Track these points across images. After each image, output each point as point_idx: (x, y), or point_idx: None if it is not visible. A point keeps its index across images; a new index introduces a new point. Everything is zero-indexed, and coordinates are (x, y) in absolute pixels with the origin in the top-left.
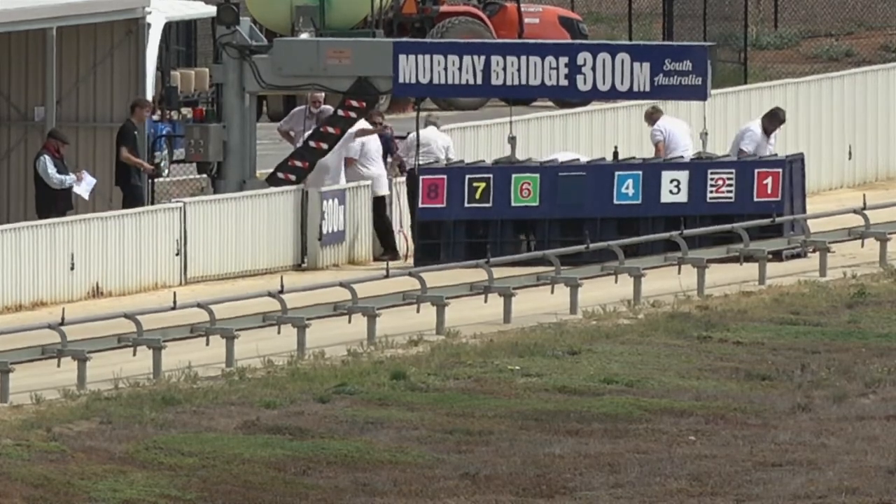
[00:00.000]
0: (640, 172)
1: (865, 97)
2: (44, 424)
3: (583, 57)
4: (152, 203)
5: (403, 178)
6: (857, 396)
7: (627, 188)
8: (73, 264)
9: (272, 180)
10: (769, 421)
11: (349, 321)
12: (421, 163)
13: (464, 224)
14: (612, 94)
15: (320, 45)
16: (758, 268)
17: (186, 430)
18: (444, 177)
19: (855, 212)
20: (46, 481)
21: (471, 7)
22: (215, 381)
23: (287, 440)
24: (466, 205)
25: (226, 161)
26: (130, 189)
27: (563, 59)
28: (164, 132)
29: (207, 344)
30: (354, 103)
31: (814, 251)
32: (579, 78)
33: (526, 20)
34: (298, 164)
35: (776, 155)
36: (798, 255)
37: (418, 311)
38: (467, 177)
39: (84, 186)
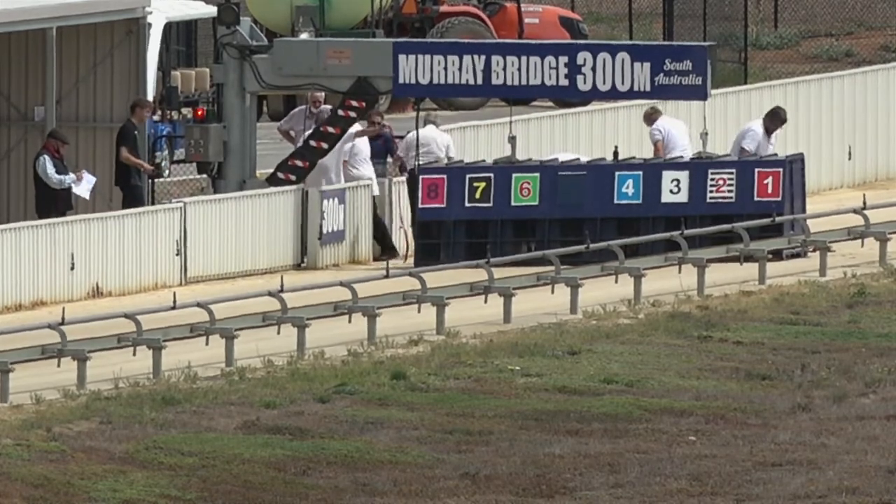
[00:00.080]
0: (641, 172)
1: (865, 97)
2: (44, 424)
3: (583, 57)
4: (152, 203)
5: (403, 178)
6: (857, 396)
7: (628, 188)
8: (73, 264)
9: (272, 180)
10: (769, 421)
11: (349, 321)
12: (421, 162)
13: (464, 224)
14: (613, 94)
15: (320, 45)
16: (758, 268)
17: (186, 430)
18: (444, 177)
19: (855, 212)
20: (46, 481)
21: (471, 7)
22: (215, 381)
23: (287, 440)
24: (466, 205)
25: (226, 161)
26: (130, 189)
27: (563, 59)
28: (164, 132)
29: (207, 344)
30: (354, 103)
31: (814, 251)
32: (579, 78)
33: (526, 20)
34: (299, 163)
35: (776, 155)
36: (798, 255)
37: (418, 311)
38: (467, 176)
39: (84, 186)
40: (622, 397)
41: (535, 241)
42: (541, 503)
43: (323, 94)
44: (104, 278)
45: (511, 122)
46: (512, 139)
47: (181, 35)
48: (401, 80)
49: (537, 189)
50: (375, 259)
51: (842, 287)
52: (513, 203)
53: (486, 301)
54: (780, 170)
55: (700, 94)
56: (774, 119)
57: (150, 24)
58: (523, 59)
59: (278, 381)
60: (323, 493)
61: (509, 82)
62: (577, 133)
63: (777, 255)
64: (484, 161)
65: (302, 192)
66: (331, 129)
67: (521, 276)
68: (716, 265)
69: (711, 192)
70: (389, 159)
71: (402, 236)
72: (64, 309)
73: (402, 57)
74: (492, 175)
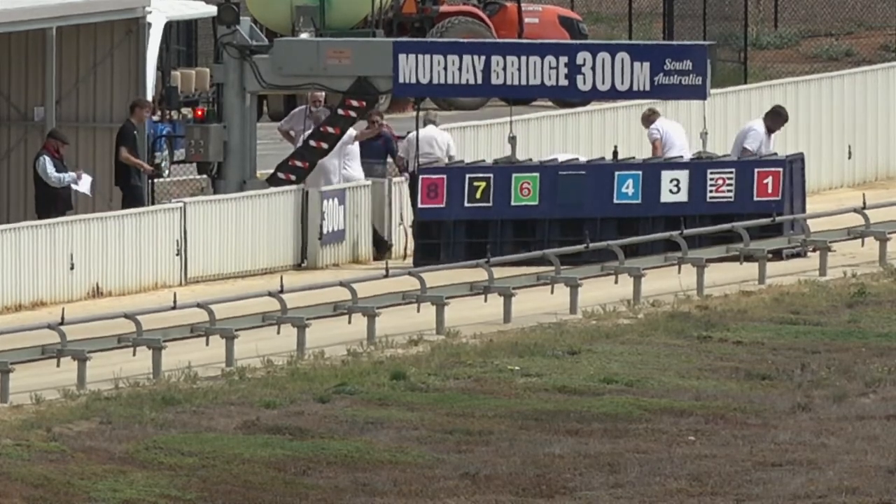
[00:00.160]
0: (640, 172)
1: (865, 97)
2: (44, 424)
3: (583, 57)
4: (152, 203)
5: (403, 179)
6: (857, 396)
7: (627, 188)
8: (73, 264)
9: (273, 180)
10: (769, 421)
11: (349, 321)
12: (421, 162)
13: (464, 224)
14: (612, 94)
15: (320, 45)
16: (758, 267)
17: (186, 430)
18: (444, 177)
19: (855, 211)
20: (46, 481)
21: (471, 7)
22: (215, 381)
23: (287, 440)
24: (466, 204)
25: (226, 161)
26: (130, 189)
27: (563, 59)
28: (164, 132)
29: (207, 344)
30: (355, 103)
31: (814, 251)
32: (579, 78)
33: (526, 20)
34: (299, 163)
35: (776, 154)
36: (798, 255)
37: (418, 310)
38: (467, 176)
39: (84, 183)
40: (622, 397)
41: (535, 241)
42: (541, 503)
43: (323, 94)
44: (104, 278)
45: (511, 122)
46: (512, 139)
47: (181, 35)
48: (401, 80)
49: (537, 189)
50: (375, 259)
51: (842, 287)
52: (513, 203)
53: (486, 301)
54: (780, 169)
55: (700, 93)
56: (777, 119)
57: (150, 24)
58: (523, 59)
59: (278, 381)
60: (323, 493)
61: (509, 82)
62: (577, 133)
63: (777, 255)
64: (484, 161)
65: (302, 192)
66: (331, 129)
67: (521, 276)
68: (716, 265)
69: (711, 191)
70: (389, 159)
71: (402, 233)
72: (64, 309)
73: (402, 57)
74: (492, 175)
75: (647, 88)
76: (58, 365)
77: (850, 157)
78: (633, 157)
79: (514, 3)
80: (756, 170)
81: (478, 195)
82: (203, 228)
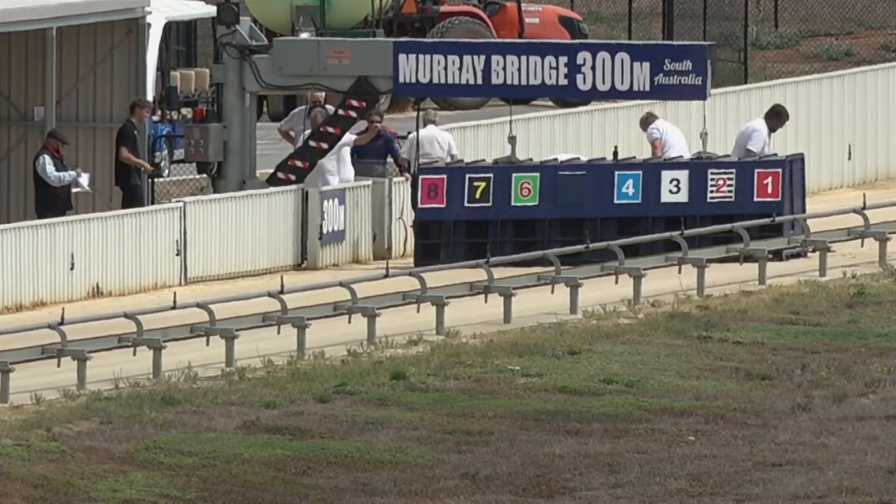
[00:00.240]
0: (640, 172)
1: (865, 97)
2: (44, 424)
3: (583, 57)
4: (152, 203)
5: (403, 179)
6: (857, 396)
7: (627, 188)
8: (73, 264)
9: (272, 180)
10: (769, 421)
11: (349, 321)
12: (424, 162)
13: (464, 224)
14: (612, 94)
15: (320, 45)
16: (758, 268)
17: (186, 430)
18: (444, 177)
19: (855, 211)
20: (46, 481)
21: (471, 7)
22: (215, 381)
23: (287, 440)
24: (466, 204)
25: (226, 161)
26: (130, 189)
27: (563, 59)
28: (164, 132)
29: (207, 344)
30: (355, 103)
31: (814, 251)
32: (579, 78)
33: (526, 20)
34: (299, 163)
35: (776, 154)
36: (798, 255)
37: (418, 311)
38: (467, 176)
39: (84, 180)
40: (622, 397)
41: (536, 241)
42: (541, 503)
43: (323, 94)
44: (104, 278)
45: (511, 122)
46: (512, 139)
47: (181, 35)
48: (401, 80)
49: (537, 189)
50: (375, 259)
51: (842, 287)
52: (513, 203)
53: (486, 301)
54: (780, 170)
55: (700, 93)
56: (778, 118)
57: (149, 24)
58: (523, 58)
59: (278, 381)
60: (323, 493)
61: (509, 82)
62: (577, 133)
63: (777, 255)
64: (484, 161)
65: (302, 192)
66: (331, 129)
67: (521, 276)
68: (716, 265)
69: (711, 191)
70: (390, 159)
71: (402, 227)
72: (64, 309)
73: (402, 57)
74: (492, 175)
75: (647, 88)
76: (58, 365)
77: (850, 158)
78: (634, 157)
79: (515, 3)
80: (756, 170)
81: (478, 195)
82: (203, 228)
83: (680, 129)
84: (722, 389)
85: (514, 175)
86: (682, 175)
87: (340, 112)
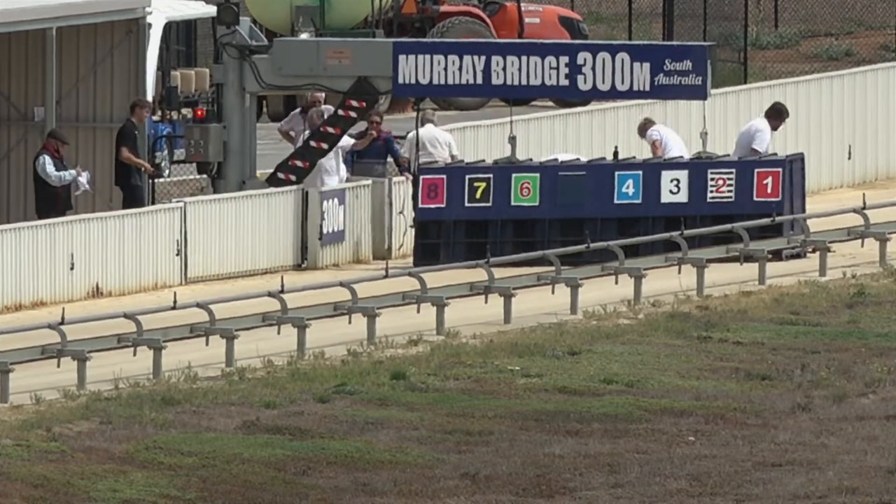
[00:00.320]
0: (641, 172)
1: (865, 97)
2: (44, 424)
3: (583, 57)
4: (152, 203)
5: (403, 179)
6: (857, 396)
7: (627, 188)
8: (73, 264)
9: (272, 180)
10: (769, 421)
11: (349, 321)
12: (423, 162)
13: (464, 224)
14: (612, 94)
15: (320, 45)
16: (758, 268)
17: (186, 430)
18: (444, 177)
19: (855, 211)
20: (46, 481)
21: (471, 7)
22: (215, 381)
23: (287, 440)
24: (466, 205)
25: (226, 161)
26: (130, 189)
27: (563, 59)
28: (164, 132)
29: (207, 344)
30: (355, 103)
31: (814, 251)
32: (579, 78)
33: (526, 20)
34: (299, 163)
35: (776, 154)
36: (798, 255)
37: (418, 311)
38: (467, 177)
39: (84, 179)
40: (622, 397)
41: (536, 241)
42: (541, 503)
43: (323, 94)
44: (104, 278)
45: (511, 122)
46: (512, 139)
47: (181, 35)
48: (401, 80)
49: (537, 189)
50: (376, 259)
51: (842, 287)
52: (513, 203)
53: (486, 301)
54: (780, 170)
55: (700, 93)
56: (779, 116)
57: (150, 24)
58: (523, 59)
59: (278, 381)
60: (323, 493)
61: (509, 82)
62: (577, 133)
63: (777, 256)
64: (484, 161)
65: (302, 192)
66: (331, 130)
67: (521, 276)
68: (716, 265)
69: (711, 192)
70: (390, 159)
71: (402, 221)
72: (64, 309)
73: (402, 57)
74: (492, 175)
75: (648, 89)
76: (58, 365)
77: (850, 157)
78: (634, 157)
79: (515, 3)
80: (756, 170)
81: (478, 195)
82: (203, 228)
83: (679, 132)
84: (722, 389)
85: (514, 175)
86: (682, 175)
87: (340, 112)
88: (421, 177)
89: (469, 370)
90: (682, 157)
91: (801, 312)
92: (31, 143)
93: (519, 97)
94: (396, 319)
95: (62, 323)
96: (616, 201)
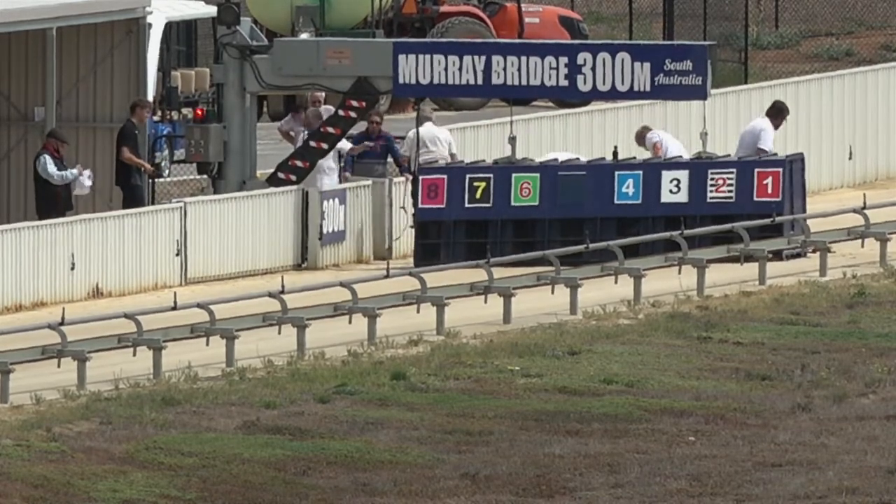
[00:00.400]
0: (641, 172)
1: (865, 97)
2: (44, 424)
3: (583, 57)
4: (152, 203)
5: (403, 179)
6: (857, 396)
7: (627, 188)
8: (73, 264)
9: (273, 180)
10: (769, 421)
11: (349, 321)
12: (425, 160)
13: (464, 224)
14: (613, 94)
15: (320, 45)
16: (758, 268)
17: (186, 430)
18: (444, 177)
19: (855, 211)
20: (46, 481)
21: (471, 7)
22: (215, 381)
23: (287, 440)
24: (466, 205)
25: (226, 161)
26: (131, 189)
27: (563, 59)
28: (164, 132)
29: (207, 344)
30: (355, 103)
31: (814, 251)
32: (579, 78)
33: (526, 20)
34: (299, 163)
35: (776, 154)
36: (798, 255)
37: (418, 311)
38: (467, 177)
39: (85, 178)
40: (622, 397)
41: (536, 241)
42: (541, 503)
43: (323, 94)
44: (104, 278)
45: (511, 122)
46: (512, 139)
47: (181, 35)
48: (401, 80)
49: (537, 189)
50: (376, 259)
51: (842, 287)
52: (513, 203)
53: (486, 301)
54: (780, 170)
55: (700, 93)
56: (780, 115)
57: (150, 24)
58: (523, 59)
59: (278, 382)
60: (323, 493)
61: (509, 82)
62: (577, 133)
63: (777, 256)
64: (484, 161)
65: (302, 192)
66: (331, 130)
67: (521, 276)
68: (716, 265)
69: (711, 191)
70: (390, 159)
71: (403, 216)
72: (64, 309)
73: (402, 57)
74: (492, 175)
75: (648, 89)
76: (58, 365)
77: (850, 157)
78: (634, 158)
79: (515, 4)
80: (756, 170)
81: (478, 195)
82: (203, 228)
83: (679, 132)
84: (722, 389)
85: (514, 175)
86: (682, 175)
87: (340, 112)
88: (421, 177)
89: (469, 370)
90: (681, 156)
91: (802, 312)
92: (31, 143)
93: (519, 97)
94: (397, 319)
95: (62, 323)
96: (616, 201)
